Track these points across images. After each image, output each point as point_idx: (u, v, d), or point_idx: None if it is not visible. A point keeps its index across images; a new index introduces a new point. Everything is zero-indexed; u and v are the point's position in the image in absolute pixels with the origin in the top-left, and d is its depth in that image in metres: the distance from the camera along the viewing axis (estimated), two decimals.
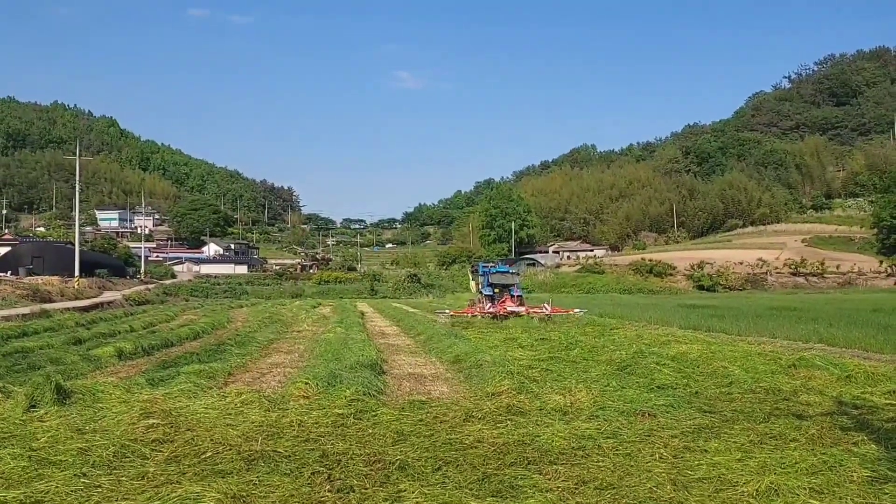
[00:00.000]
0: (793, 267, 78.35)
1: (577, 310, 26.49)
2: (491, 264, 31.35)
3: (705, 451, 6.45)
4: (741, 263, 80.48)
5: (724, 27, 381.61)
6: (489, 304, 26.15)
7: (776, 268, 79.26)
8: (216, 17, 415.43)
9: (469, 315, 25.98)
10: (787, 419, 7.80)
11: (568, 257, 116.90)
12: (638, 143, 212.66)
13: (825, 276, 76.27)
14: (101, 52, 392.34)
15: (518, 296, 26.73)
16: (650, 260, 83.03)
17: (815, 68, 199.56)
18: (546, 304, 26.37)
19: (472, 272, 31.39)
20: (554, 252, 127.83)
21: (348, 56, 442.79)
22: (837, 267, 77.31)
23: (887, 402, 8.62)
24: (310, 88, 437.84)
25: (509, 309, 25.27)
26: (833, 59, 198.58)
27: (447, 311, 27.48)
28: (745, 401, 9.07)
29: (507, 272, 28.64)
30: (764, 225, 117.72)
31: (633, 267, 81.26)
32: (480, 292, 28.26)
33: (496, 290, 26.78)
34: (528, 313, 25.19)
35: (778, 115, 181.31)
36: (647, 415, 7.99)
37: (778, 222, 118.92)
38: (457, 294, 60.95)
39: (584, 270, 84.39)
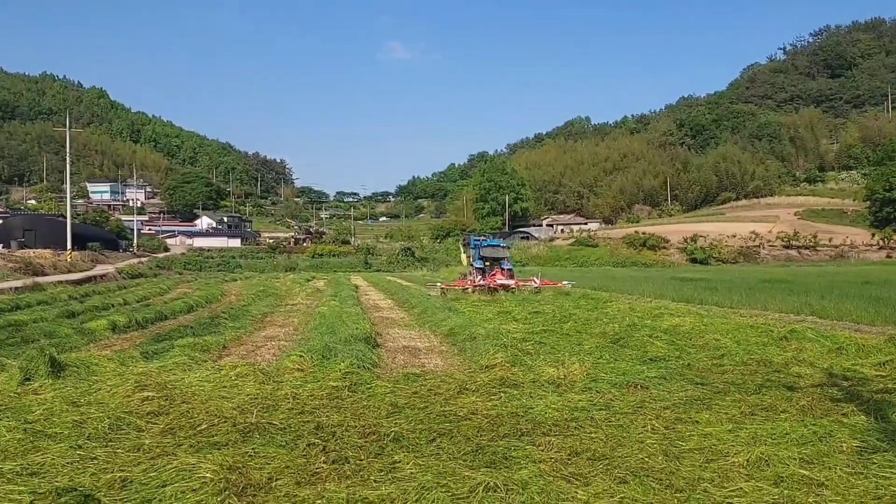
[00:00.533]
0: (785, 240, 78.74)
1: (566, 282, 27.06)
2: (482, 238, 31.67)
3: (697, 422, 6.50)
4: (734, 236, 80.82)
5: None
6: (479, 277, 26.31)
7: (769, 241, 79.63)
8: None
9: (460, 288, 26.17)
10: (778, 391, 7.86)
11: (562, 230, 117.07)
12: (632, 115, 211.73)
13: (817, 248, 76.69)
14: (90, 22, 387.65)
15: (508, 269, 26.94)
16: (644, 233, 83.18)
17: (811, 40, 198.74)
18: (535, 278, 26.92)
19: (464, 245, 31.96)
20: (548, 225, 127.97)
21: (340, 27, 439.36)
22: (830, 240, 77.70)
23: (877, 373, 8.69)
24: (301, 60, 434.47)
25: (499, 282, 25.43)
26: (828, 30, 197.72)
27: (438, 284, 27.52)
28: (737, 373, 9.14)
29: (499, 246, 28.81)
30: (757, 198, 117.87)
31: (626, 240, 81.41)
32: (472, 265, 28.37)
33: (487, 264, 26.99)
34: (518, 286, 25.54)
35: (772, 87, 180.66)
36: (639, 387, 8.04)
37: (771, 195, 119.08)
38: (451, 267, 60.97)
39: (578, 244, 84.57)
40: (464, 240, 35.26)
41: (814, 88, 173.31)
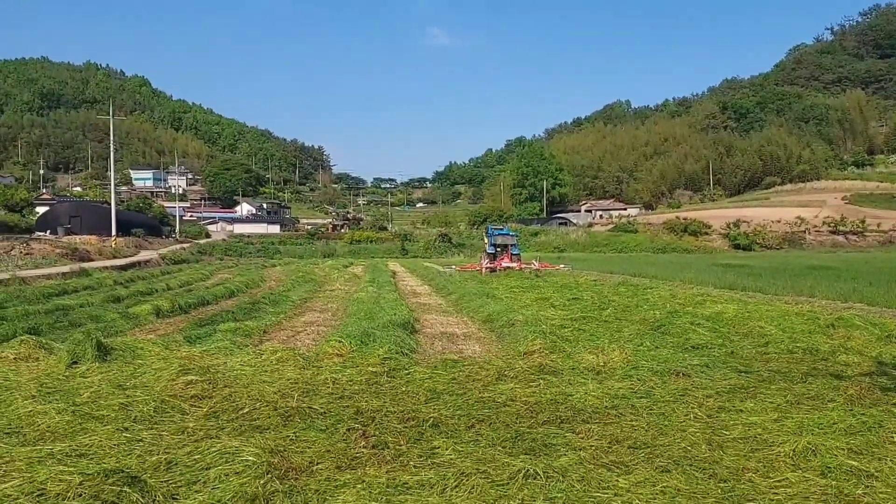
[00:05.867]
0: (832, 225, 76.65)
1: (563, 265, 32.19)
2: (498, 227, 37.52)
3: (741, 411, 6.39)
4: (779, 222, 78.97)
5: None
6: (487, 261, 31.11)
7: (815, 226, 77.60)
8: None
9: (474, 269, 31.12)
10: (824, 379, 7.69)
11: (601, 216, 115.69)
12: (673, 98, 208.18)
13: (866, 234, 74.54)
14: (133, 11, 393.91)
15: (515, 254, 31.78)
16: (685, 219, 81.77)
17: (859, 19, 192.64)
18: (534, 261, 31.23)
19: (486, 234, 38.61)
20: (586, 211, 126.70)
21: (381, 12, 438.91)
22: (878, 225, 75.48)
23: None
24: (341, 46, 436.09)
25: (504, 265, 30.20)
26: (878, 9, 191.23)
27: (454, 266, 33.43)
28: (782, 361, 8.95)
29: (508, 234, 34.12)
30: (803, 182, 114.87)
31: (667, 226, 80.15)
32: (486, 250, 33.52)
33: (498, 249, 31.98)
34: (521, 268, 29.97)
35: (819, 69, 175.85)
36: (681, 374, 7.92)
37: (818, 179, 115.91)
38: None
39: (618, 229, 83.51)
40: (486, 230, 40.43)
41: (862, 69, 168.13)
